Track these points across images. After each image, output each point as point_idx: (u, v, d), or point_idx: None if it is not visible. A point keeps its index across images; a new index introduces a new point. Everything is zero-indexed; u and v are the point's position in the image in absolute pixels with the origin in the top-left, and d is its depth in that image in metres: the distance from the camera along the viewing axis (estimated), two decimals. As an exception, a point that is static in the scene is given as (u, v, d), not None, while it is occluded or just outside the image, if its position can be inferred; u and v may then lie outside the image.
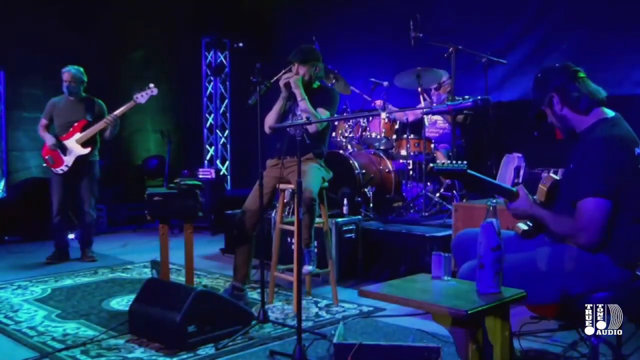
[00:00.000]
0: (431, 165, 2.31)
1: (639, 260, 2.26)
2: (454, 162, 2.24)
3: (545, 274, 2.24)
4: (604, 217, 2.17)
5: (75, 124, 5.24)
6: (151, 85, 5.10)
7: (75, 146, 5.21)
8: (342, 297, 3.93)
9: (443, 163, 2.27)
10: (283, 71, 3.96)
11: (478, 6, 6.54)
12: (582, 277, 2.20)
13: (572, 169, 2.34)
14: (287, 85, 3.88)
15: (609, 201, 2.16)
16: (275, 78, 3.88)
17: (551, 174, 2.50)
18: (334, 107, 4.00)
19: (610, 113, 2.36)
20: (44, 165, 5.40)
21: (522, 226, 2.39)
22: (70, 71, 5.28)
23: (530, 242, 2.40)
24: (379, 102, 5.78)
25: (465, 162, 2.23)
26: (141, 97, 5.07)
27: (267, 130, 3.90)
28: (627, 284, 2.24)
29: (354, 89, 5.94)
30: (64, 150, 5.22)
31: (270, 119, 3.96)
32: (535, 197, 2.43)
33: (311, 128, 3.72)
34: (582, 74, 2.38)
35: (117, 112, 5.16)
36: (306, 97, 3.85)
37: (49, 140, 5.23)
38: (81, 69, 5.36)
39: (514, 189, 2.38)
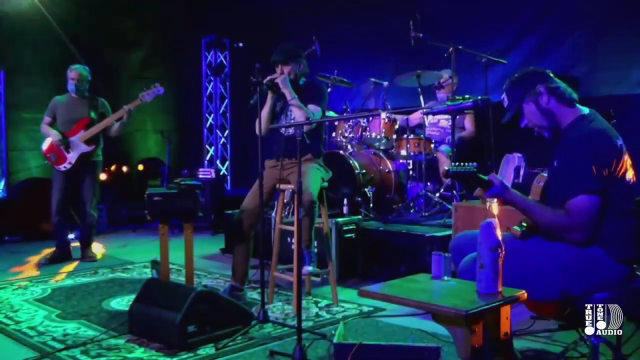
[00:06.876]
0: (446, 168, 2.31)
1: (634, 254, 2.27)
2: (465, 164, 2.23)
3: (545, 271, 2.24)
4: (597, 213, 2.20)
5: (79, 122, 5.25)
6: (157, 84, 5.09)
7: (78, 143, 5.22)
8: (342, 297, 3.93)
9: (457, 165, 2.26)
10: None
11: (478, 6, 6.54)
12: (582, 275, 2.21)
13: (556, 167, 2.36)
14: (275, 85, 3.84)
15: (599, 197, 2.19)
16: (266, 79, 3.81)
17: (543, 173, 2.51)
18: (325, 102, 3.98)
19: (585, 110, 2.39)
20: (46, 162, 5.40)
21: (517, 228, 2.40)
22: (77, 69, 5.31)
23: (528, 240, 2.40)
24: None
25: (475, 164, 2.23)
26: (147, 96, 5.08)
27: (259, 132, 3.75)
28: (627, 281, 2.24)
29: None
30: (68, 147, 5.22)
31: (263, 122, 3.81)
32: (529, 197, 2.44)
33: (307, 125, 3.70)
34: (552, 74, 2.41)
35: (130, 105, 5.15)
36: (296, 96, 3.83)
37: (54, 136, 5.22)
38: (87, 68, 5.39)
39: (486, 177, 2.33)
